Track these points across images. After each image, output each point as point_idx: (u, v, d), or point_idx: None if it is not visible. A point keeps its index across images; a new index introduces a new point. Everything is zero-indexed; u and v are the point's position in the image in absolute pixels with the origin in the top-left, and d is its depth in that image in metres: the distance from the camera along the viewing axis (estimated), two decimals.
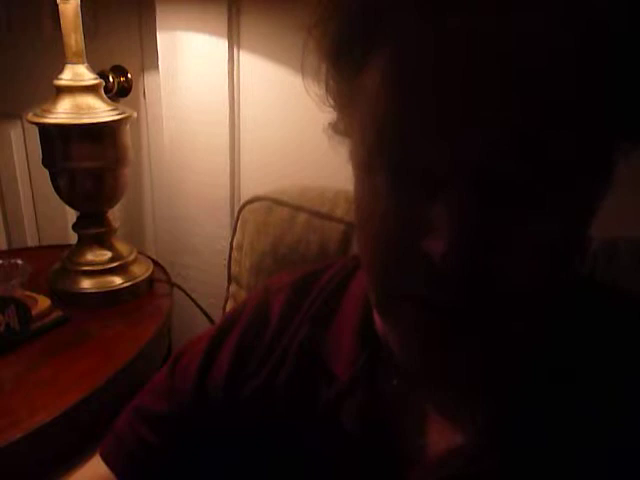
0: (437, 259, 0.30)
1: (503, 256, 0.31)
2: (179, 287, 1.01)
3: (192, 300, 0.99)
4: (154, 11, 0.99)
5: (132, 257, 0.99)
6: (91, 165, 0.89)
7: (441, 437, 0.40)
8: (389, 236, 0.34)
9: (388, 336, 0.37)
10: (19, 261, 0.93)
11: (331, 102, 0.37)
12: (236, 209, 0.80)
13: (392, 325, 0.37)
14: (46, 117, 0.86)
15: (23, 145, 1.32)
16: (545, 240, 0.31)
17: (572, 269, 0.37)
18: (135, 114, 0.92)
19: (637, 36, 0.29)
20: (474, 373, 0.38)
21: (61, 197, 0.94)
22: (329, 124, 0.38)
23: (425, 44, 0.30)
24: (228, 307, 0.81)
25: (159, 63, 1.03)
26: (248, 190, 1.03)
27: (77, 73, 0.87)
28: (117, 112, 0.89)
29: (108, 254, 0.96)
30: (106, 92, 0.95)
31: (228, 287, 0.81)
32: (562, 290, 0.38)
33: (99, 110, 0.87)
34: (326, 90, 0.37)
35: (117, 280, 0.95)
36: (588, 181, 0.32)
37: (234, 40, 0.96)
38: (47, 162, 0.91)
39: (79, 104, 0.86)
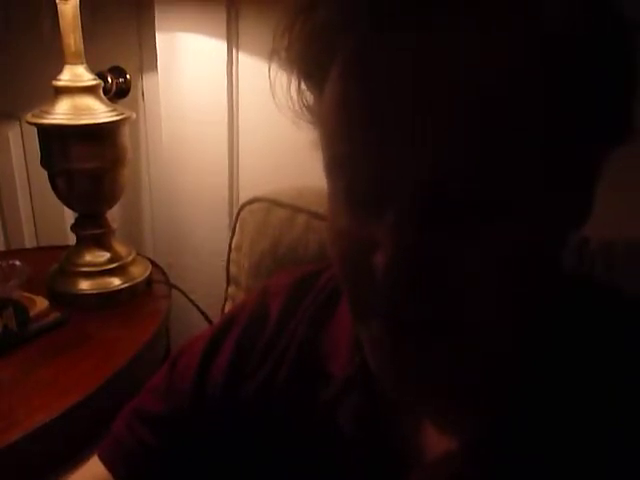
0: (379, 274, 0.30)
1: (453, 269, 0.31)
2: (177, 288, 1.01)
3: (191, 301, 0.99)
4: (153, 12, 0.99)
5: (130, 258, 0.99)
6: (89, 166, 0.89)
7: (440, 438, 0.40)
8: (347, 254, 0.34)
9: (365, 350, 0.37)
10: (17, 262, 0.92)
11: (307, 117, 0.37)
12: (235, 210, 0.80)
13: (364, 338, 0.37)
14: (45, 118, 0.86)
15: (21, 146, 1.32)
16: (505, 251, 0.31)
17: (555, 272, 0.37)
18: (134, 115, 0.92)
19: (591, 41, 0.29)
20: (451, 383, 0.38)
21: (59, 198, 0.94)
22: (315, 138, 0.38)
23: (369, 62, 0.30)
24: (227, 308, 0.81)
25: (158, 64, 1.03)
26: (247, 191, 1.03)
27: (76, 74, 0.87)
28: (116, 113, 0.89)
29: (106, 255, 0.96)
30: (104, 93, 0.95)
31: (227, 288, 0.81)
32: (553, 292, 0.38)
33: (98, 111, 0.87)
34: (301, 105, 0.37)
35: (115, 281, 0.95)
36: (550, 195, 0.31)
37: (233, 41, 0.96)
38: (46, 163, 0.91)
39: (78, 105, 0.86)
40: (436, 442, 0.40)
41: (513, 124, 0.29)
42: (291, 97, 0.37)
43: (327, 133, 0.34)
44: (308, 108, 0.37)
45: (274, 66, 0.37)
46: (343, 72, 0.31)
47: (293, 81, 0.36)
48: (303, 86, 0.36)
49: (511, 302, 0.33)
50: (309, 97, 0.36)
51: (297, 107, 0.37)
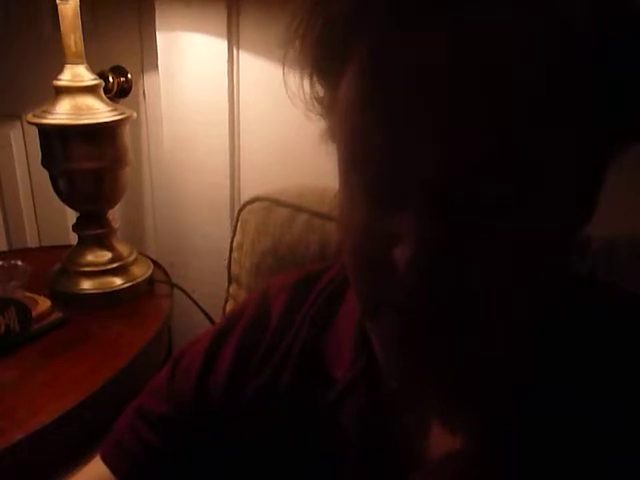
0: (402, 268, 0.30)
1: (473, 265, 0.31)
2: (179, 288, 1.01)
3: (192, 300, 0.99)
4: (154, 11, 0.99)
5: (132, 258, 0.99)
6: (91, 166, 0.89)
7: (443, 438, 0.40)
8: (364, 247, 0.34)
9: (373, 344, 0.37)
10: (19, 262, 0.93)
11: (318, 109, 0.37)
12: (236, 209, 0.80)
13: (374, 333, 0.37)
14: (45, 118, 0.86)
15: (23, 146, 1.32)
16: (522, 248, 0.31)
17: (563, 271, 0.37)
18: (135, 114, 0.92)
19: (610, 36, 0.29)
20: (459, 381, 0.38)
21: (61, 198, 0.94)
22: (324, 131, 0.38)
23: (387, 59, 0.30)
24: (228, 307, 0.81)
25: (159, 63, 1.03)
26: (248, 190, 1.03)
27: (76, 74, 0.87)
28: (117, 113, 0.88)
29: (108, 255, 0.96)
30: (106, 93, 0.95)
31: (228, 287, 0.81)
32: (558, 291, 0.37)
33: (99, 111, 0.87)
34: (312, 97, 0.37)
35: (117, 281, 0.95)
36: (563, 192, 0.31)
37: (233, 40, 0.96)
38: (47, 163, 0.91)
39: (79, 105, 0.86)
40: (439, 442, 0.40)
41: (539, 121, 0.29)
42: (302, 89, 0.36)
43: (344, 130, 0.33)
44: (319, 100, 0.37)
45: (286, 58, 0.36)
46: (360, 70, 0.31)
47: (305, 73, 0.35)
48: (315, 78, 0.35)
49: (523, 301, 0.33)
50: (320, 90, 0.36)
51: (308, 99, 0.37)
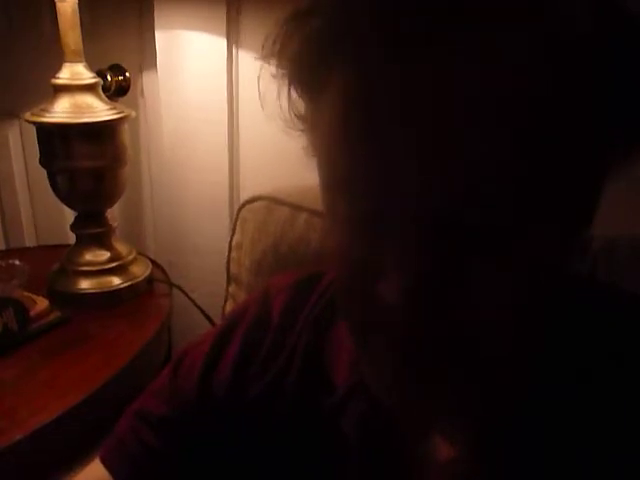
0: (392, 301, 0.29)
1: (466, 293, 0.30)
2: (178, 287, 1.01)
3: (191, 300, 0.99)
4: (152, 9, 0.99)
5: (131, 257, 0.99)
6: (89, 164, 0.88)
7: (444, 444, 0.40)
8: (348, 272, 0.33)
9: (362, 365, 0.37)
10: (17, 262, 0.93)
11: (298, 125, 0.36)
12: (236, 208, 0.80)
13: (366, 361, 0.36)
14: (44, 116, 0.85)
15: (21, 145, 1.31)
16: (521, 269, 0.30)
17: (563, 271, 0.37)
18: (133, 113, 0.92)
19: (610, 52, 0.28)
20: (458, 384, 0.38)
21: (59, 197, 0.94)
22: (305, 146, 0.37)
23: (371, 84, 0.29)
24: (228, 307, 0.81)
25: (157, 62, 1.03)
26: (247, 189, 1.03)
27: (75, 72, 0.86)
28: (115, 111, 0.88)
29: (107, 254, 0.96)
30: (104, 91, 0.94)
31: (227, 287, 0.81)
32: (558, 291, 0.37)
33: (97, 109, 0.87)
34: (291, 112, 0.36)
35: (116, 280, 0.95)
36: (562, 210, 0.30)
37: (233, 38, 0.95)
38: (45, 162, 0.90)
39: (77, 103, 0.86)
40: (441, 446, 0.40)
41: (532, 152, 0.28)
42: (281, 105, 0.35)
43: (325, 151, 0.32)
44: (299, 117, 0.36)
45: (265, 74, 0.36)
46: (344, 91, 0.30)
47: (284, 89, 0.34)
48: (294, 94, 0.34)
49: (524, 315, 0.33)
50: (300, 105, 0.35)
51: (287, 115, 0.36)
